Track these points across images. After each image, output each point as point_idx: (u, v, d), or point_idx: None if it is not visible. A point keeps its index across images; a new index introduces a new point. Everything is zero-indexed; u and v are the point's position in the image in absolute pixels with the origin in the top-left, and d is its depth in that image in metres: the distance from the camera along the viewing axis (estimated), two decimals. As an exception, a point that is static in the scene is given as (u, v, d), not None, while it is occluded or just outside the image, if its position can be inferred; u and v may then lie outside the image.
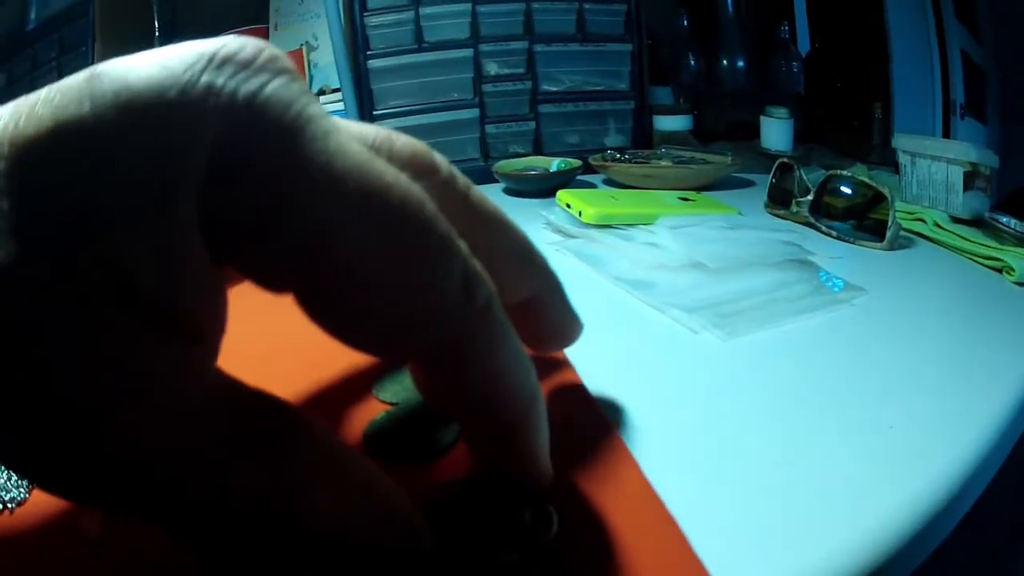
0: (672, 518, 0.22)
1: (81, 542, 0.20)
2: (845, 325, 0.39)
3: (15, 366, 0.12)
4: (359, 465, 0.15)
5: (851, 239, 0.55)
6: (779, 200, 0.64)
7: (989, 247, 0.50)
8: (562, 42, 0.91)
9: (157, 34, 0.95)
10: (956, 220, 0.57)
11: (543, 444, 0.20)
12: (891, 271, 0.49)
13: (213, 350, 0.15)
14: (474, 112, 0.90)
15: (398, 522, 0.16)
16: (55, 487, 0.14)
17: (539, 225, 0.62)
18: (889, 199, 0.53)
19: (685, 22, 1.02)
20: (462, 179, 0.20)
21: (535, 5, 0.90)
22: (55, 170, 0.13)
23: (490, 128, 0.90)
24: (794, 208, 0.61)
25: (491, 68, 0.90)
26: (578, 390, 0.31)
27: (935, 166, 0.61)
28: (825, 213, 0.59)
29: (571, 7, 0.91)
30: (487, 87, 0.90)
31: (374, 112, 0.87)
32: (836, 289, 0.43)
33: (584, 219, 0.57)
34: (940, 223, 0.56)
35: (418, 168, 0.18)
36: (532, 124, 0.91)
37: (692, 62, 1.02)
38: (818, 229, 0.58)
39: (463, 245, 0.16)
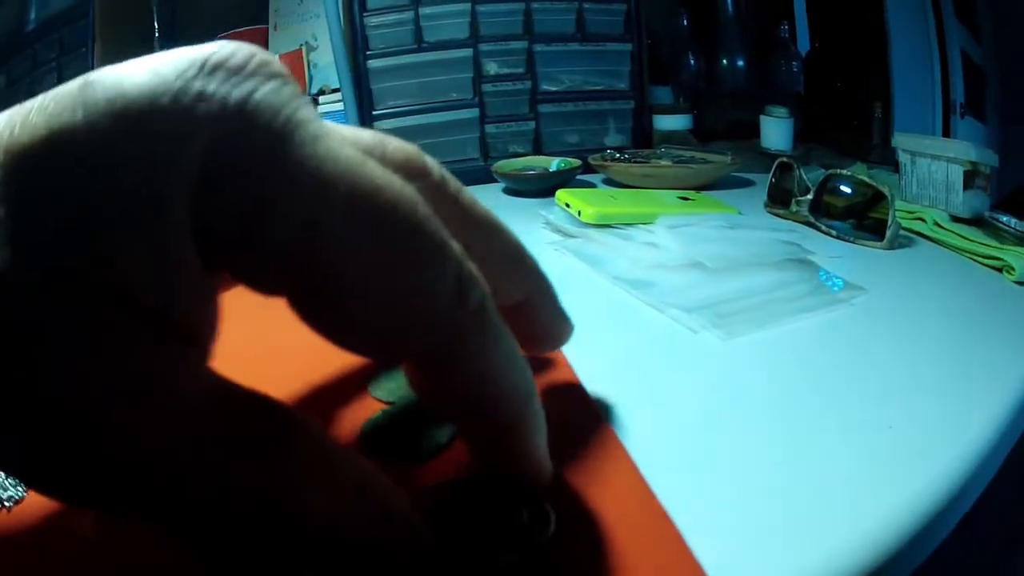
0: (669, 518, 0.22)
1: (78, 541, 0.20)
2: (845, 325, 0.38)
3: (14, 367, 0.12)
4: (354, 464, 0.15)
5: (851, 238, 0.55)
6: (779, 199, 0.64)
7: (989, 246, 0.50)
8: (562, 42, 0.91)
9: (157, 35, 0.95)
10: (956, 219, 0.57)
11: (540, 443, 0.20)
12: (891, 270, 0.49)
13: (206, 352, 0.15)
14: (474, 112, 0.89)
15: (395, 521, 0.16)
16: (52, 488, 0.14)
17: (538, 225, 0.61)
18: (889, 198, 0.53)
19: (685, 21, 1.02)
20: (453, 182, 0.20)
21: (535, 5, 0.90)
22: (50, 177, 0.13)
23: (490, 128, 0.90)
24: (794, 207, 0.61)
25: (491, 68, 0.90)
26: (575, 390, 0.30)
27: (935, 165, 0.61)
28: (825, 212, 0.58)
29: (571, 7, 0.91)
30: (487, 87, 0.90)
31: (374, 112, 0.87)
32: (836, 289, 0.43)
33: (583, 219, 0.57)
34: (940, 222, 0.56)
35: (410, 171, 0.18)
36: (532, 124, 0.91)
37: (692, 62, 1.02)
38: (818, 228, 0.58)
39: (456, 247, 0.16)
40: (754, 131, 0.93)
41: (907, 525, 0.22)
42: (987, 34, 0.83)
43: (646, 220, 0.56)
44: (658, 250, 0.49)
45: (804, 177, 0.61)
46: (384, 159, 0.18)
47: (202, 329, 0.14)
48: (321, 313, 0.15)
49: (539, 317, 0.24)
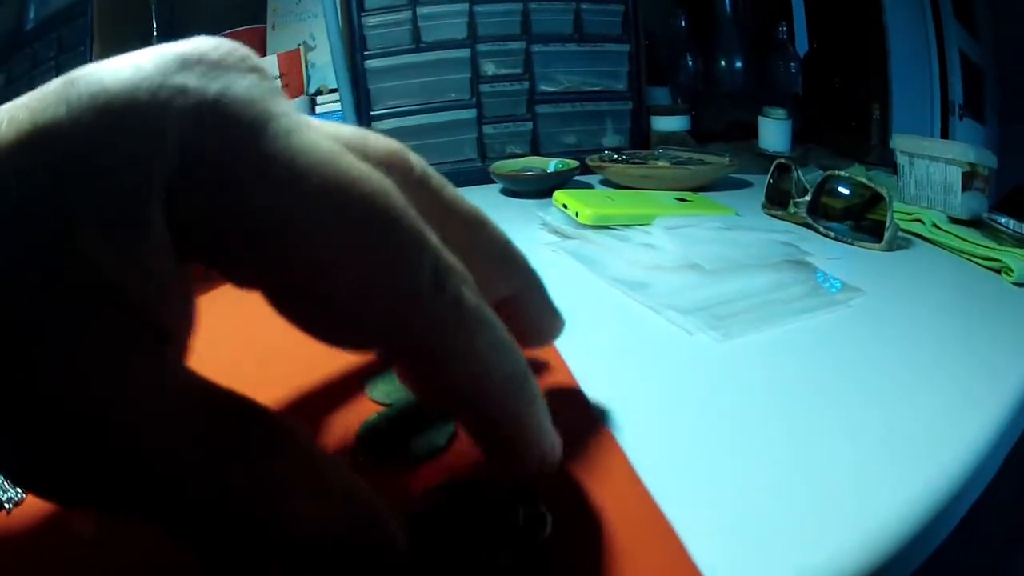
0: (666, 519, 0.21)
1: (77, 542, 0.21)
2: (842, 326, 0.38)
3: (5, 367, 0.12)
4: (339, 470, 0.15)
5: (849, 240, 0.55)
6: (777, 201, 0.64)
7: (987, 247, 0.50)
8: (559, 42, 0.91)
9: (155, 34, 0.95)
10: (954, 221, 0.57)
11: (540, 426, 0.19)
12: (889, 272, 0.49)
13: (184, 349, 0.15)
14: (471, 112, 0.89)
15: (379, 525, 0.16)
16: (46, 488, 0.14)
17: (536, 226, 0.61)
18: (887, 200, 0.53)
19: (683, 22, 1.02)
20: (437, 178, 0.20)
21: (532, 5, 0.90)
22: (34, 173, 0.13)
23: (487, 128, 0.90)
24: (792, 209, 0.61)
25: (488, 68, 0.90)
26: (572, 391, 0.30)
27: (933, 166, 0.61)
28: (823, 214, 0.58)
29: (568, 7, 0.91)
30: (484, 87, 0.90)
31: (371, 112, 0.87)
32: (833, 290, 0.43)
33: (580, 220, 0.57)
34: (938, 224, 0.56)
35: (392, 167, 0.18)
36: (529, 124, 0.91)
37: (690, 62, 1.02)
38: (816, 230, 0.58)
39: (434, 238, 0.16)
40: (752, 132, 0.93)
41: (906, 526, 0.22)
42: (985, 33, 0.83)
43: (643, 221, 0.56)
44: (655, 251, 0.49)
45: (802, 178, 0.61)
46: (365, 154, 0.18)
47: (179, 326, 0.14)
48: (295, 305, 0.16)
49: (528, 312, 0.24)
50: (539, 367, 0.32)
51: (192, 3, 1.01)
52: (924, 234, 0.57)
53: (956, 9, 0.81)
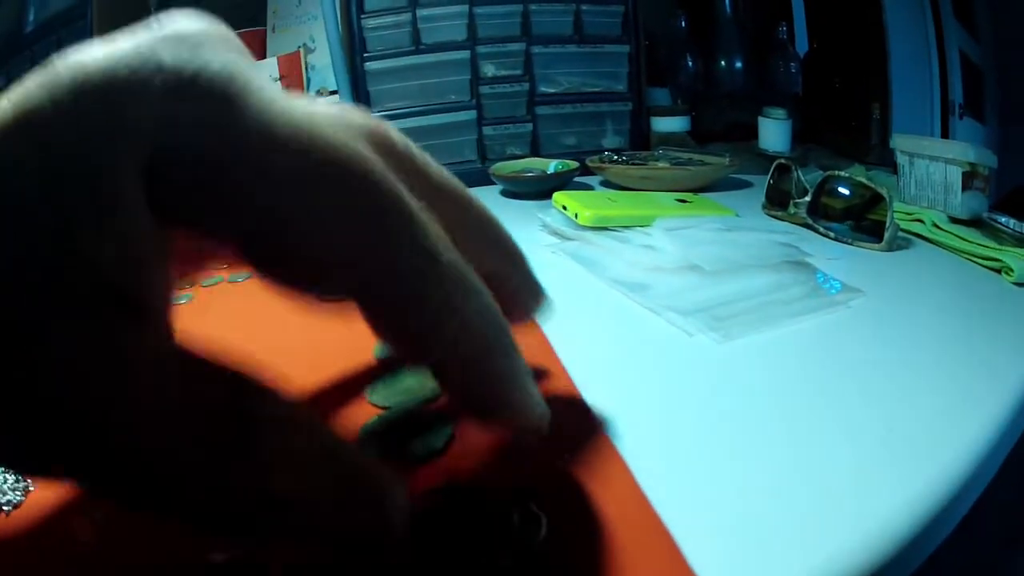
0: (662, 523, 0.21)
1: (76, 545, 0.21)
2: (842, 327, 0.38)
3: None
4: (322, 431, 0.16)
5: (849, 240, 0.55)
6: (777, 201, 0.64)
7: (988, 247, 0.50)
8: (559, 43, 0.91)
9: (154, 36, 0.95)
10: (954, 220, 0.57)
11: (525, 389, 0.19)
12: (889, 272, 0.49)
13: (165, 322, 0.15)
14: (471, 114, 0.89)
15: (368, 483, 0.16)
16: (49, 478, 0.14)
17: (536, 227, 0.61)
18: (887, 200, 0.52)
19: (683, 23, 1.02)
20: (420, 155, 0.21)
21: (532, 7, 0.90)
22: (16, 156, 0.13)
23: (487, 130, 0.90)
24: (792, 209, 0.61)
25: (488, 70, 0.90)
26: (570, 392, 0.30)
27: (933, 166, 0.60)
28: (823, 214, 0.58)
29: (568, 8, 0.91)
30: (484, 89, 0.90)
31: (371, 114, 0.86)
32: (833, 291, 0.43)
33: (580, 221, 0.57)
34: (938, 223, 0.56)
35: (373, 141, 0.18)
36: (529, 126, 0.91)
37: (690, 63, 1.02)
38: (816, 230, 0.58)
39: (414, 202, 0.17)
40: (752, 132, 0.93)
41: (906, 527, 0.22)
42: (985, 33, 0.83)
43: (643, 222, 0.56)
44: (655, 253, 0.49)
45: (802, 179, 0.61)
46: (347, 129, 0.18)
47: (159, 299, 0.15)
48: (273, 264, 0.16)
49: (510, 287, 0.24)
50: (536, 368, 0.32)
51: (191, 6, 1.01)
52: (924, 234, 0.57)
53: (956, 9, 0.81)
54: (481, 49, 0.89)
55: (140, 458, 0.13)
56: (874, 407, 0.29)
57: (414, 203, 0.17)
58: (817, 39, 1.00)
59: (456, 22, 0.89)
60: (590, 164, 0.81)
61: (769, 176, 0.65)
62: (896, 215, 0.53)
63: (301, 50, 0.96)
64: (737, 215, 0.64)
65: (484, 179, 0.80)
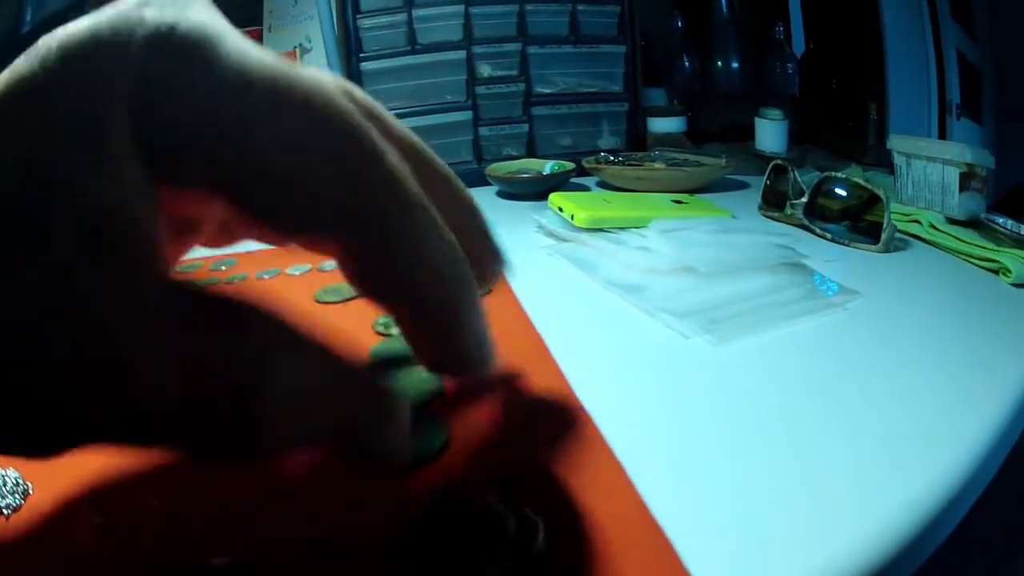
0: (659, 527, 0.21)
1: (76, 548, 0.21)
2: (839, 329, 0.38)
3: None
4: (329, 354, 0.17)
5: (846, 241, 0.55)
6: (773, 202, 0.64)
7: (985, 248, 0.49)
8: (555, 44, 0.91)
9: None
10: (952, 221, 0.57)
11: (479, 331, 0.20)
12: (886, 273, 0.49)
13: (161, 260, 0.15)
14: (467, 114, 0.89)
15: (379, 404, 0.17)
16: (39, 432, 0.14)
17: (531, 229, 0.61)
18: (884, 201, 0.52)
19: (679, 23, 1.02)
20: (389, 116, 0.21)
21: (528, 7, 0.90)
22: (11, 117, 0.14)
23: (483, 130, 0.90)
24: (788, 210, 0.60)
25: (484, 70, 0.90)
26: (565, 395, 0.30)
27: (930, 167, 0.60)
28: (820, 215, 0.58)
29: (564, 9, 0.91)
30: (480, 89, 0.90)
31: (367, 115, 0.86)
32: (830, 293, 0.43)
33: (576, 223, 0.56)
34: (936, 224, 0.56)
35: (341, 92, 0.19)
36: (525, 126, 0.91)
37: (686, 63, 1.02)
38: (812, 231, 0.58)
39: (388, 147, 0.18)
40: (749, 133, 0.93)
41: (905, 528, 0.22)
42: (982, 32, 0.83)
43: (639, 224, 0.56)
44: (651, 254, 0.48)
45: (799, 180, 0.60)
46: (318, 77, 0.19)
47: (153, 238, 0.15)
48: (252, 202, 0.16)
49: (472, 247, 0.24)
50: (533, 371, 0.32)
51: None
52: (921, 235, 0.56)
53: (953, 9, 0.81)
54: (477, 49, 0.89)
55: (145, 393, 0.14)
56: (871, 409, 0.29)
57: (380, 140, 0.18)
58: (814, 39, 1.00)
59: (452, 22, 0.88)
60: (586, 165, 0.81)
61: (765, 177, 0.65)
62: (893, 216, 0.53)
63: (297, 50, 0.95)
64: (733, 216, 0.64)
65: (480, 180, 0.80)
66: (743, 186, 0.80)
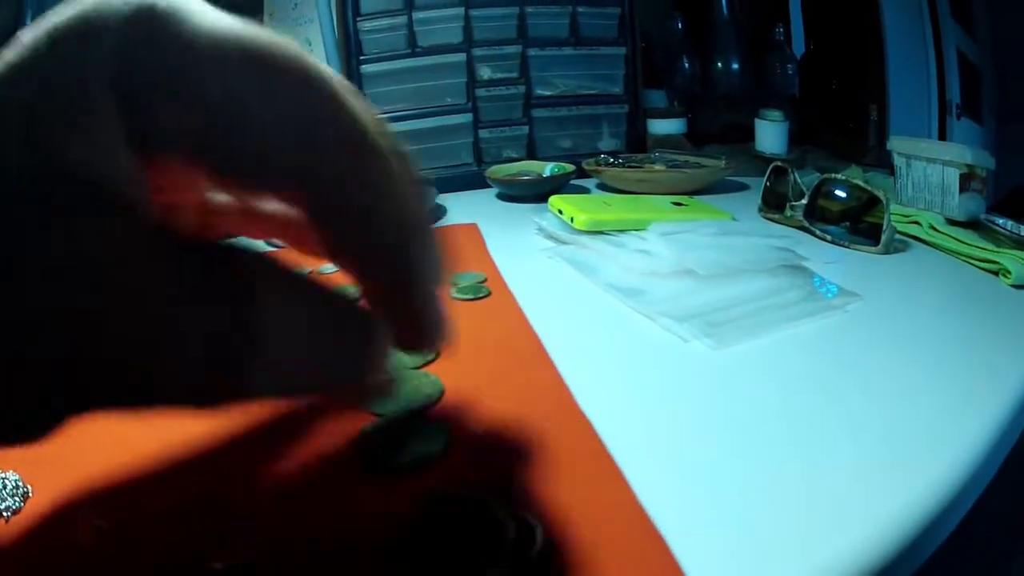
0: (658, 532, 0.21)
1: (76, 550, 0.21)
2: (839, 332, 0.38)
3: None
4: (315, 289, 0.18)
5: (846, 243, 0.55)
6: (773, 204, 0.64)
7: (985, 250, 0.49)
8: (555, 46, 0.91)
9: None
10: (952, 223, 0.57)
11: (438, 309, 0.21)
12: (886, 275, 0.49)
13: (149, 214, 0.16)
14: (467, 117, 0.89)
15: (361, 323, 0.18)
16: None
17: (531, 231, 0.61)
18: (884, 202, 0.52)
19: (679, 25, 1.02)
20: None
21: (528, 9, 0.90)
22: (4, 94, 0.15)
23: (483, 133, 0.90)
24: (788, 212, 0.60)
25: (484, 72, 0.90)
26: (564, 399, 0.30)
27: (930, 168, 0.60)
28: (820, 217, 0.58)
29: (564, 11, 0.91)
30: (480, 91, 0.90)
31: (367, 117, 0.86)
32: (830, 295, 0.43)
33: (576, 225, 0.57)
34: (936, 226, 0.56)
35: None
36: (525, 128, 0.91)
37: (686, 65, 1.02)
38: (812, 233, 0.58)
39: (353, 101, 0.18)
40: (749, 134, 0.93)
41: (905, 529, 0.22)
42: (983, 32, 0.83)
43: (639, 226, 0.56)
44: (650, 257, 0.48)
45: (799, 181, 0.60)
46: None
47: (142, 195, 0.16)
48: (216, 151, 0.17)
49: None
50: (532, 374, 0.32)
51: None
52: (922, 236, 0.56)
53: (954, 9, 0.81)
54: (477, 52, 0.89)
55: (139, 342, 0.15)
56: (871, 410, 0.29)
57: (353, 100, 0.18)
58: (814, 40, 1.00)
59: (452, 25, 0.88)
60: (586, 167, 0.81)
61: (766, 179, 0.65)
62: (893, 217, 0.53)
63: (297, 53, 0.95)
64: (733, 218, 0.64)
65: (480, 182, 0.80)
66: (743, 188, 0.80)
